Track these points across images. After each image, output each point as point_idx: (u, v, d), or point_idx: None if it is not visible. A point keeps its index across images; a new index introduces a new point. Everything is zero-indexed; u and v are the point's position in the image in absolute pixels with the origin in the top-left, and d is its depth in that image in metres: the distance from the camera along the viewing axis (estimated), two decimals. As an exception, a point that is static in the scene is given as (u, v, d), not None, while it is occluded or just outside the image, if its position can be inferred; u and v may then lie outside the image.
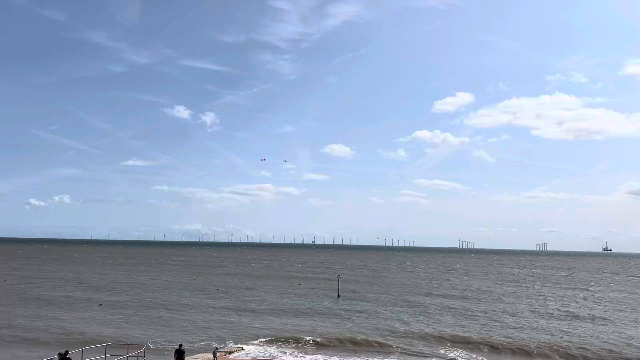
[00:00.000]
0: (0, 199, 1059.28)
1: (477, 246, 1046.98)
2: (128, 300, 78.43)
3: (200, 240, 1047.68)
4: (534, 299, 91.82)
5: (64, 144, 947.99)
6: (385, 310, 70.96)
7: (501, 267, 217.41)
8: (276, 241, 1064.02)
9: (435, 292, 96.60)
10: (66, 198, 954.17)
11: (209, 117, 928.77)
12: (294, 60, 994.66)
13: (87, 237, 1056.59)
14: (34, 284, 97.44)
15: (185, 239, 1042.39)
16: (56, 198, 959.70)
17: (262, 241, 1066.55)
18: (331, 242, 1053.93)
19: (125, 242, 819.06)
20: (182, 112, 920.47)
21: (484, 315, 69.11)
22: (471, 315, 68.52)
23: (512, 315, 70.59)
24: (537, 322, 65.52)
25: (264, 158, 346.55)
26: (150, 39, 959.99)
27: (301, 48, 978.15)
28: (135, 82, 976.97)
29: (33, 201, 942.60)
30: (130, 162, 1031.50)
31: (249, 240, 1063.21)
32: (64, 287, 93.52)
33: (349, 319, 63.36)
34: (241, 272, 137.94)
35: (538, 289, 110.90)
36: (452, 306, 77.46)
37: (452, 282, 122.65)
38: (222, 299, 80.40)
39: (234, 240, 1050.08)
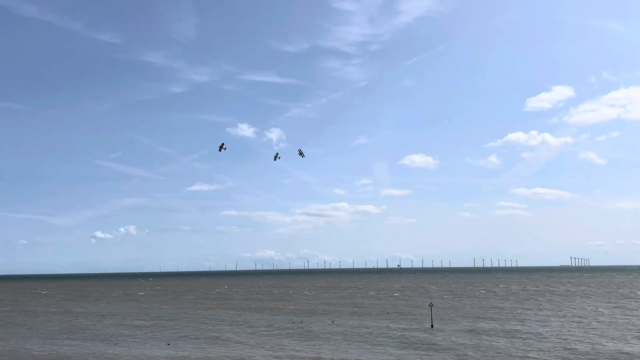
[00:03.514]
0: (65, 234, 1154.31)
1: (593, 263, 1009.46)
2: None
3: (275, 268, 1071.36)
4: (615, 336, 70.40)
5: (127, 172, 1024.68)
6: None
7: (615, 289, 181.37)
8: (357, 266, 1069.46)
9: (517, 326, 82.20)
10: (132, 229, 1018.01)
11: (274, 134, 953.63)
12: (364, 64, 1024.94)
13: (156, 269, 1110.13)
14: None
15: (258, 267, 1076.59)
16: (122, 229, 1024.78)
17: (341, 266, 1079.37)
18: (419, 265, 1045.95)
19: (194, 273, 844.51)
20: (246, 130, 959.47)
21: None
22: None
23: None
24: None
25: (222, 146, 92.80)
26: (209, 55, 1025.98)
27: (370, 51, 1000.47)
28: (196, 102, 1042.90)
29: (98, 234, 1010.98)
30: (195, 187, 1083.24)
31: (327, 266, 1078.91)
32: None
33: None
34: (314, 307, 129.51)
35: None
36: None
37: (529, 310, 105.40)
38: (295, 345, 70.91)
39: (310, 267, 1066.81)
